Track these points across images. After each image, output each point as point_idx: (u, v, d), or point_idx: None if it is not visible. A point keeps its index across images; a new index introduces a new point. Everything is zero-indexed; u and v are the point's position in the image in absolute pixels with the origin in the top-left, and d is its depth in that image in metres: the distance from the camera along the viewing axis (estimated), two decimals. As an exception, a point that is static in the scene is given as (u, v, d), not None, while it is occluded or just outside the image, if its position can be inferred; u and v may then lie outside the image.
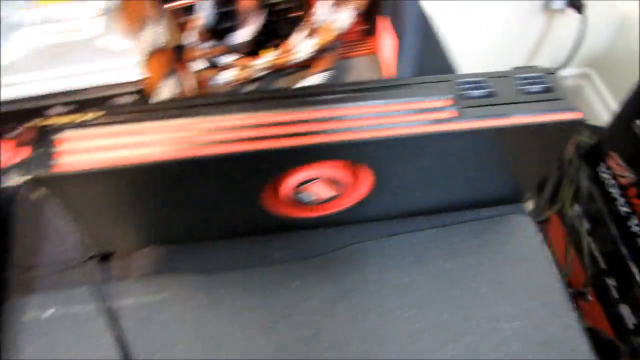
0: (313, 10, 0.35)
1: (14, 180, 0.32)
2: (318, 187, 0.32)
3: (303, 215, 0.35)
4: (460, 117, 0.28)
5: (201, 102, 0.29)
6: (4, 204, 0.37)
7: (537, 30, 0.86)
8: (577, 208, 0.60)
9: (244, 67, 0.37)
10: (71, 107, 0.40)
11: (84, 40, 0.42)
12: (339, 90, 0.29)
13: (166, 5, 0.38)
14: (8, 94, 0.39)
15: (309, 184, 0.31)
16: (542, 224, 0.64)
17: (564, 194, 0.61)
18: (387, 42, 0.41)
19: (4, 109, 0.38)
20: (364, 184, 0.32)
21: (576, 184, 0.59)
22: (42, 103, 0.40)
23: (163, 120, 0.28)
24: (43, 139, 0.28)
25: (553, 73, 0.30)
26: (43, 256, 0.37)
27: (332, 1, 0.35)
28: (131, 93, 0.40)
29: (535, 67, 0.31)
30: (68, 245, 0.37)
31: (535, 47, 0.90)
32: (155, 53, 0.39)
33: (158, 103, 0.36)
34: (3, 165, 0.34)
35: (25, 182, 0.27)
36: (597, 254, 0.58)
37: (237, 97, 0.30)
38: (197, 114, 0.28)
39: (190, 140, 0.27)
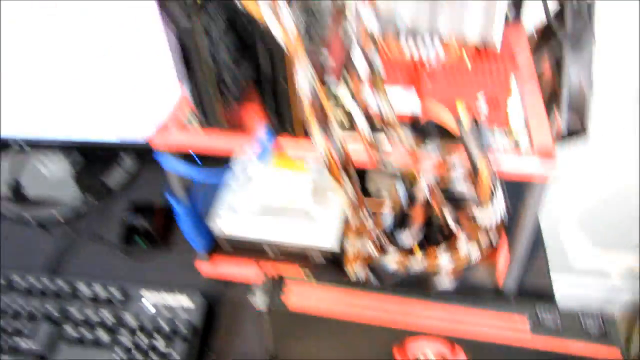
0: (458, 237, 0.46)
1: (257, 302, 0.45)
2: (429, 352, 0.44)
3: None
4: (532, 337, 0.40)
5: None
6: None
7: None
8: None
9: (404, 262, 0.48)
10: (280, 257, 0.58)
11: (298, 207, 0.59)
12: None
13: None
14: (229, 229, 0.58)
15: (423, 348, 0.44)
16: None
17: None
18: (503, 255, 0.54)
19: (232, 243, 0.58)
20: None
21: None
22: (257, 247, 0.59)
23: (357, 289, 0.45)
24: (279, 282, 0.45)
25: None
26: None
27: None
28: (328, 255, 0.56)
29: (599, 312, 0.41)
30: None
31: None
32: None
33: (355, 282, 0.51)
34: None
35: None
36: None
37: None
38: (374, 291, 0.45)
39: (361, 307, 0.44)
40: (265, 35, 0.36)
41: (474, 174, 0.38)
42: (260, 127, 0.45)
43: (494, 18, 0.41)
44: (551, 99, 0.46)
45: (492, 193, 0.38)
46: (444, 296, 0.45)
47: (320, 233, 0.58)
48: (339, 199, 0.60)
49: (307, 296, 0.45)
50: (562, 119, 0.44)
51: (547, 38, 0.48)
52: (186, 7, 0.37)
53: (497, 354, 0.42)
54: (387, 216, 0.48)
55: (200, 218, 0.57)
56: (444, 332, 0.43)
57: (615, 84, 0.84)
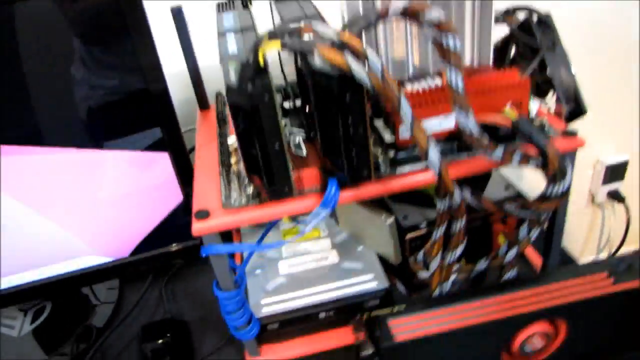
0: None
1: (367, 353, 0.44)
2: (535, 339, 0.47)
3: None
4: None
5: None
6: None
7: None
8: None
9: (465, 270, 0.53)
10: (331, 313, 0.56)
11: (332, 265, 0.60)
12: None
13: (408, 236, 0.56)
14: (273, 310, 0.56)
15: (530, 338, 0.47)
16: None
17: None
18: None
19: (283, 317, 0.55)
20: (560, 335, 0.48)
21: None
22: (307, 312, 0.56)
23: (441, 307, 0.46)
24: (379, 323, 0.44)
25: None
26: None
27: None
28: (376, 298, 0.57)
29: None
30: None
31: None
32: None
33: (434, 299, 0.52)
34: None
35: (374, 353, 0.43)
36: None
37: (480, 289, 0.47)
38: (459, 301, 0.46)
39: (463, 314, 0.45)
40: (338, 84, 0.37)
41: (542, 157, 0.42)
42: (327, 181, 0.45)
43: (488, 41, 0.48)
44: (546, 92, 0.53)
45: (561, 169, 0.42)
46: (528, 281, 0.48)
47: (366, 277, 0.58)
48: (364, 249, 0.61)
49: (408, 326, 0.44)
50: (564, 106, 0.51)
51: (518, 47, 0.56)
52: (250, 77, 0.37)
53: (592, 313, 0.47)
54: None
55: (246, 306, 0.53)
56: (546, 308, 0.45)
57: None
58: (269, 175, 0.41)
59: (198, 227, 0.45)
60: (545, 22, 0.52)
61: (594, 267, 0.49)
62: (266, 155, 0.40)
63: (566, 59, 0.52)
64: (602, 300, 0.47)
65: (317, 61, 0.36)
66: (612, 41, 0.89)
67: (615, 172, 1.07)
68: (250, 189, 0.45)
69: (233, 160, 0.49)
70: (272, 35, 0.35)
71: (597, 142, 1.00)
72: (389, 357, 0.44)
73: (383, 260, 0.60)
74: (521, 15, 0.53)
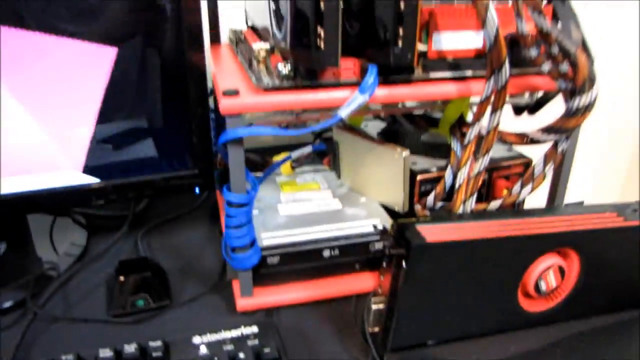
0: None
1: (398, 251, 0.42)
2: (550, 275, 0.46)
3: (538, 310, 0.48)
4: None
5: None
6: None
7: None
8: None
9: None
10: (335, 252, 0.52)
11: (334, 210, 0.57)
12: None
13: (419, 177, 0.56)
14: (274, 242, 0.51)
15: (545, 272, 0.46)
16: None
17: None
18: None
19: (284, 250, 0.51)
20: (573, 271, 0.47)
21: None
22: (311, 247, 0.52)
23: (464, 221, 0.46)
24: (409, 228, 0.42)
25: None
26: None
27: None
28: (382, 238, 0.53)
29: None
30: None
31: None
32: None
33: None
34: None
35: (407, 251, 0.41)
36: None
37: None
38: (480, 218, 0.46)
39: (489, 229, 0.44)
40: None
41: (571, 65, 0.44)
42: (367, 66, 0.44)
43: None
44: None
45: (590, 77, 0.44)
46: (540, 211, 0.50)
47: (371, 220, 0.55)
48: (368, 200, 0.59)
49: (436, 232, 0.43)
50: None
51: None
52: None
53: (605, 248, 0.47)
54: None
55: (250, 226, 0.49)
56: (559, 233, 0.46)
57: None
58: (316, 36, 0.40)
59: (227, 103, 0.42)
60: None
61: (604, 207, 0.50)
62: (319, 10, 0.39)
63: (574, 12, 0.56)
64: (614, 233, 0.47)
65: None
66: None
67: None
68: (284, 69, 0.43)
69: (260, 58, 0.47)
70: None
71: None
72: (419, 257, 0.41)
73: (388, 210, 0.57)
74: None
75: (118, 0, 0.48)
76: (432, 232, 0.43)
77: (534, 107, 0.60)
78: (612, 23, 1.00)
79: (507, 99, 0.46)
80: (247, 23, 0.64)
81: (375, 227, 0.52)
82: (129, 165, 0.54)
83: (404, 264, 0.41)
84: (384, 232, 0.49)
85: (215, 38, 0.62)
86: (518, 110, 0.61)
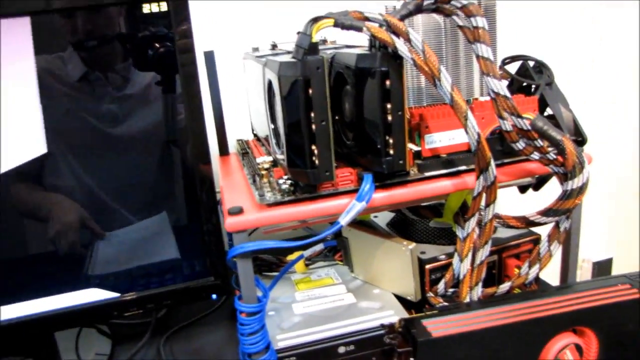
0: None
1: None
2: (568, 355, 0.46)
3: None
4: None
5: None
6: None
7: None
8: None
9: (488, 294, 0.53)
10: (350, 348, 0.53)
11: (348, 305, 0.58)
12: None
13: (428, 267, 0.57)
14: (290, 343, 0.52)
15: (562, 351, 0.46)
16: None
17: None
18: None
19: (300, 350, 0.51)
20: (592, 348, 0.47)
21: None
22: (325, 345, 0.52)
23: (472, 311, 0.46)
24: (415, 324, 0.43)
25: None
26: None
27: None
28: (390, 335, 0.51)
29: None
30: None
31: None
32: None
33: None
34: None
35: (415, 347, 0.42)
36: None
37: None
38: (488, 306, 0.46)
39: (498, 316, 0.44)
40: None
41: (560, 153, 0.46)
42: (362, 175, 0.46)
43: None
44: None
45: (579, 161, 0.45)
46: (552, 290, 0.50)
47: (386, 313, 0.55)
48: (381, 291, 0.60)
49: (443, 325, 0.44)
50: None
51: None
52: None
53: (621, 323, 0.47)
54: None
55: (265, 331, 0.50)
56: (573, 312, 0.46)
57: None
58: (310, 155, 0.42)
59: (232, 222, 0.45)
60: (541, 65, 0.60)
61: (617, 279, 0.50)
62: (311, 132, 0.42)
63: (562, 95, 0.58)
64: (628, 306, 0.47)
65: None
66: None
67: (602, 268, 1.11)
68: (285, 185, 0.46)
69: (263, 172, 0.50)
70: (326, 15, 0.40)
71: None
72: (426, 353, 0.42)
73: (402, 300, 0.58)
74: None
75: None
76: (439, 326, 0.43)
77: (537, 185, 0.61)
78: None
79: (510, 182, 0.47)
80: (252, 132, 0.68)
81: (382, 325, 0.52)
82: (148, 278, 0.57)
83: (412, 360, 0.42)
84: (391, 328, 0.49)
85: (223, 150, 0.66)
86: (523, 189, 0.63)
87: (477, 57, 0.42)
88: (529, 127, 0.43)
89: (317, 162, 0.43)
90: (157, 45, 0.52)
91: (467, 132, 0.42)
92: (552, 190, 0.52)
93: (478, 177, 0.45)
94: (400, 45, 0.40)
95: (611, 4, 1.01)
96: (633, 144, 1.13)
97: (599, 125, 1.08)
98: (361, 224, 0.62)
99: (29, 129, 0.51)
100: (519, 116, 0.43)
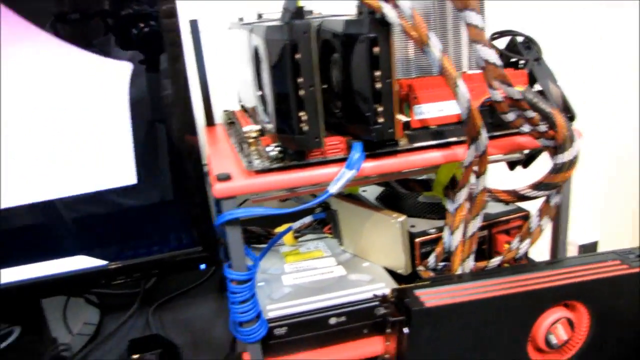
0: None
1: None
2: (559, 329, 0.46)
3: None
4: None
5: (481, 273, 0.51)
6: None
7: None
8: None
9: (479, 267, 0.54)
10: (342, 319, 0.53)
11: (338, 277, 0.58)
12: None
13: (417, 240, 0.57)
14: (280, 313, 0.52)
15: (554, 325, 0.46)
16: None
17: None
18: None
19: (291, 320, 0.52)
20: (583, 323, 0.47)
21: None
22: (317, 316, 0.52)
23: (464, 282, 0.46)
24: (408, 294, 0.44)
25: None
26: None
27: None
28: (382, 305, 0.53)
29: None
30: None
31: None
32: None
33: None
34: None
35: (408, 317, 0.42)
36: None
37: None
38: (480, 278, 0.46)
39: (489, 288, 0.45)
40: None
41: (550, 126, 0.45)
42: (352, 143, 0.46)
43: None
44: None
45: (570, 135, 0.45)
46: (542, 265, 0.50)
47: (377, 285, 0.55)
48: (371, 264, 0.60)
49: (435, 296, 0.44)
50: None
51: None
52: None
53: (612, 297, 0.47)
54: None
55: (255, 300, 0.50)
56: (564, 285, 0.46)
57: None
58: (299, 121, 0.42)
59: (220, 187, 0.44)
60: (530, 40, 0.59)
61: (606, 255, 0.50)
62: (299, 97, 0.41)
63: (551, 71, 0.58)
64: (618, 281, 0.47)
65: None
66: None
67: (588, 252, 1.11)
68: (273, 152, 0.45)
69: (251, 140, 0.50)
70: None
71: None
72: (420, 322, 0.42)
73: (392, 274, 0.58)
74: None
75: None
76: (432, 296, 0.44)
77: (526, 161, 0.61)
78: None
79: (500, 156, 0.47)
80: (239, 103, 0.67)
81: (375, 295, 0.52)
82: (135, 246, 0.57)
83: (405, 330, 0.42)
84: (384, 299, 0.50)
85: (209, 120, 0.65)
86: (512, 165, 0.62)
87: (467, 25, 0.41)
88: (521, 96, 0.43)
89: (305, 128, 0.42)
90: (141, 24, 0.51)
91: (457, 99, 0.42)
92: (541, 169, 0.52)
93: (469, 146, 0.45)
94: (388, 10, 0.39)
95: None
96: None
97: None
98: (350, 197, 0.62)
99: None
100: (510, 85, 0.42)
